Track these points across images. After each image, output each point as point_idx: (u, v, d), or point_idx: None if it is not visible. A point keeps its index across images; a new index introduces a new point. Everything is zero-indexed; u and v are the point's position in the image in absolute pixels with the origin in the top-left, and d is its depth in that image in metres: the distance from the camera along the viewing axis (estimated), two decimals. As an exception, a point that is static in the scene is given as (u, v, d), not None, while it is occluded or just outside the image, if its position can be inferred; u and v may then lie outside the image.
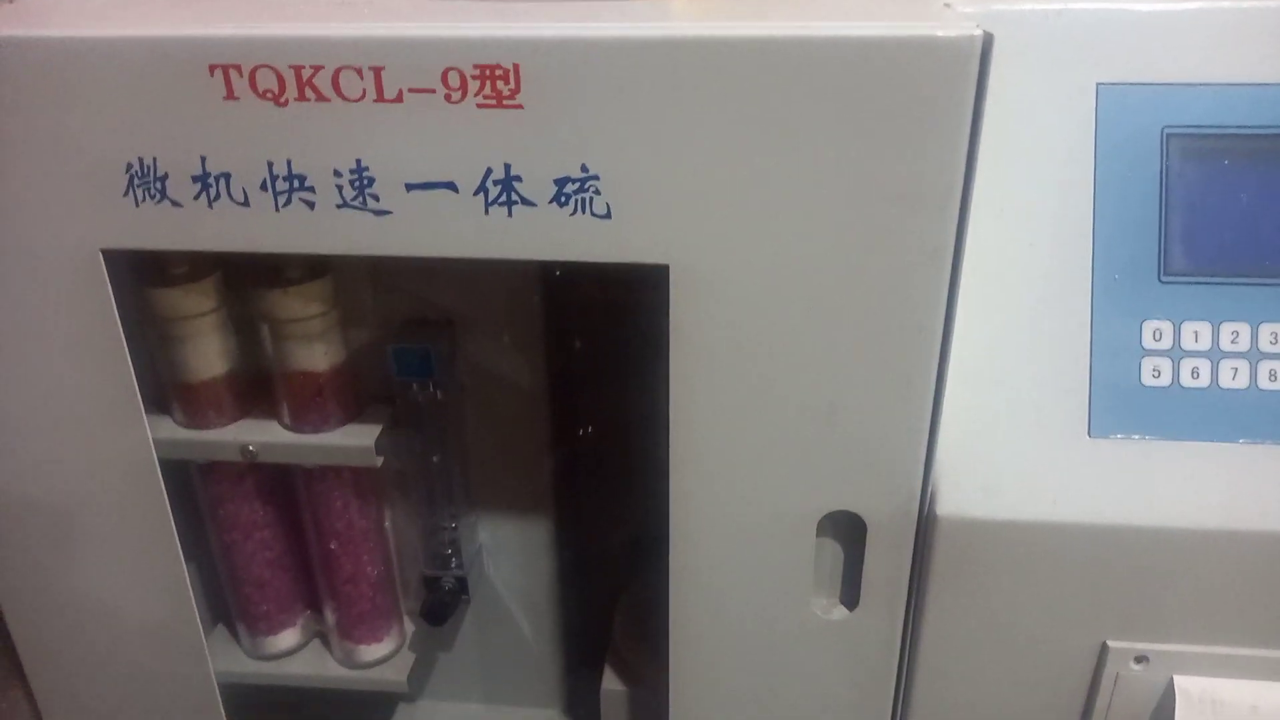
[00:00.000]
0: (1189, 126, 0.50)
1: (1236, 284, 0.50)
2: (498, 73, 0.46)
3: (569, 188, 0.48)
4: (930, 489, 0.51)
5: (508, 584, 0.77)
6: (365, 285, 0.66)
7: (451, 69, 0.46)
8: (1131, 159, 0.50)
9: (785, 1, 0.54)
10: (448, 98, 0.47)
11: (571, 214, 0.48)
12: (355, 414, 0.65)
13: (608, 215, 0.48)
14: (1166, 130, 0.50)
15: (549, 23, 0.47)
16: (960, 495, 0.51)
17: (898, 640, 0.56)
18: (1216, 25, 0.50)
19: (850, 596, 0.55)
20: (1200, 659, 0.53)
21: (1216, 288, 0.50)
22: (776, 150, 0.45)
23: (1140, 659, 0.53)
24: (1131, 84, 0.50)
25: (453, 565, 0.71)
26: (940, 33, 0.42)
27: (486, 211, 0.48)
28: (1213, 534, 0.49)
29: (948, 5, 0.51)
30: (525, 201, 0.48)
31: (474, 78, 0.46)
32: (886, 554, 0.53)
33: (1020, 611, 0.53)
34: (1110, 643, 0.53)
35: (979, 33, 0.42)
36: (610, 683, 0.68)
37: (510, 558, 0.76)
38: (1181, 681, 0.53)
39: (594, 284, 0.69)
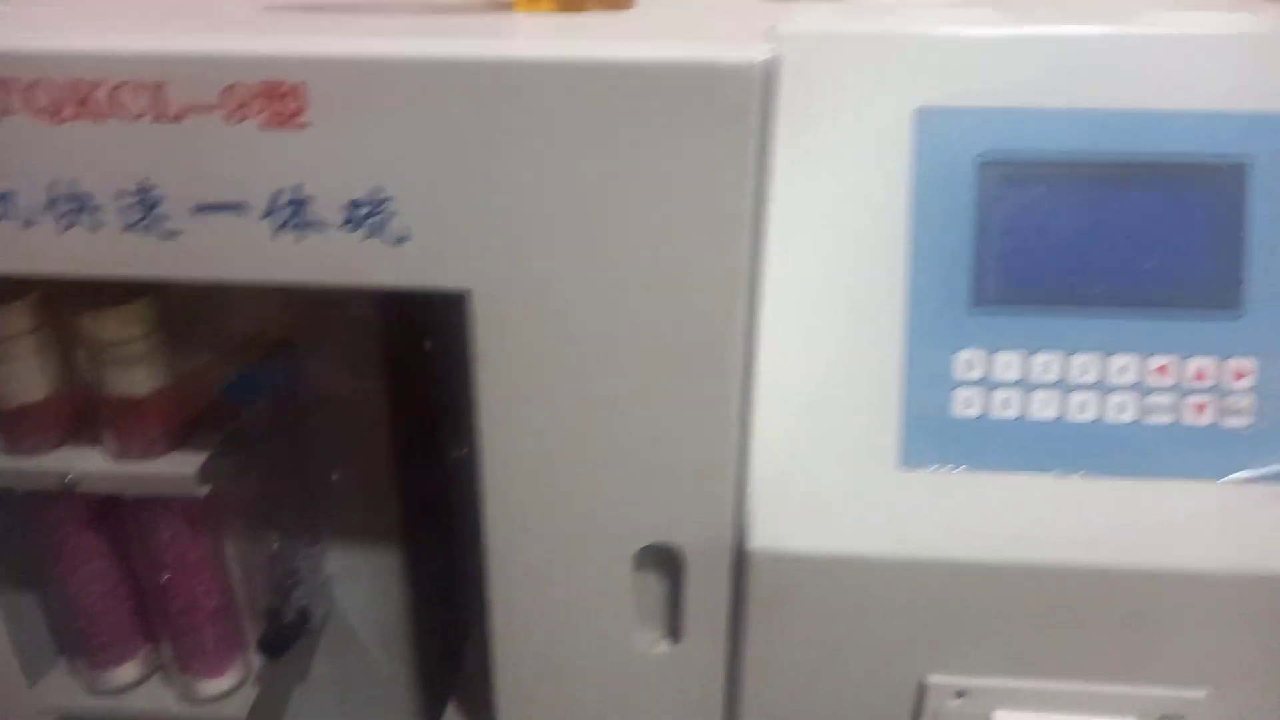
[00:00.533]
0: (1005, 153, 0.49)
1: (1049, 314, 0.49)
2: (282, 90, 0.44)
3: (362, 211, 0.46)
4: (744, 521, 0.50)
5: (360, 615, 0.75)
6: (194, 305, 0.64)
7: (233, 86, 0.44)
8: (948, 185, 0.49)
9: (623, 19, 0.53)
10: (230, 116, 0.45)
11: (365, 238, 0.46)
12: (183, 440, 0.63)
13: (403, 240, 0.46)
14: (982, 157, 0.49)
15: (340, 38, 0.45)
16: (772, 528, 0.49)
17: (722, 674, 0.54)
18: (1035, 52, 0.50)
19: (675, 630, 0.54)
20: (1019, 694, 0.52)
21: (1029, 317, 0.49)
22: (573, 172, 0.44)
23: (960, 694, 0.52)
24: (950, 108, 0.50)
25: (294, 596, 0.68)
26: (721, 57, 0.41)
27: (276, 235, 0.47)
28: (1023, 568, 0.49)
29: (773, 27, 0.50)
30: (316, 225, 0.46)
31: (258, 96, 0.44)
32: (705, 587, 0.52)
33: (839, 645, 0.52)
34: (930, 678, 0.52)
35: (761, 58, 0.41)
36: (452, 716, 0.66)
37: (361, 587, 0.74)
38: (1001, 716, 0.52)
39: (442, 303, 0.67)
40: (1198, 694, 0.52)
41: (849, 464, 0.50)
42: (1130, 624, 0.50)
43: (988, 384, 0.49)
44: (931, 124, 0.50)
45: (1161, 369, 0.48)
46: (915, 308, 0.49)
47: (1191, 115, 0.48)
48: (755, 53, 0.41)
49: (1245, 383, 0.48)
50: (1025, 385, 0.49)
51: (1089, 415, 0.49)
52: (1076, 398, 0.49)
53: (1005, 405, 0.49)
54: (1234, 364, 0.48)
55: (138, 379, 0.60)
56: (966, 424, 0.49)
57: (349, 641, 0.76)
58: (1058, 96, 0.50)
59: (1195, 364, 0.48)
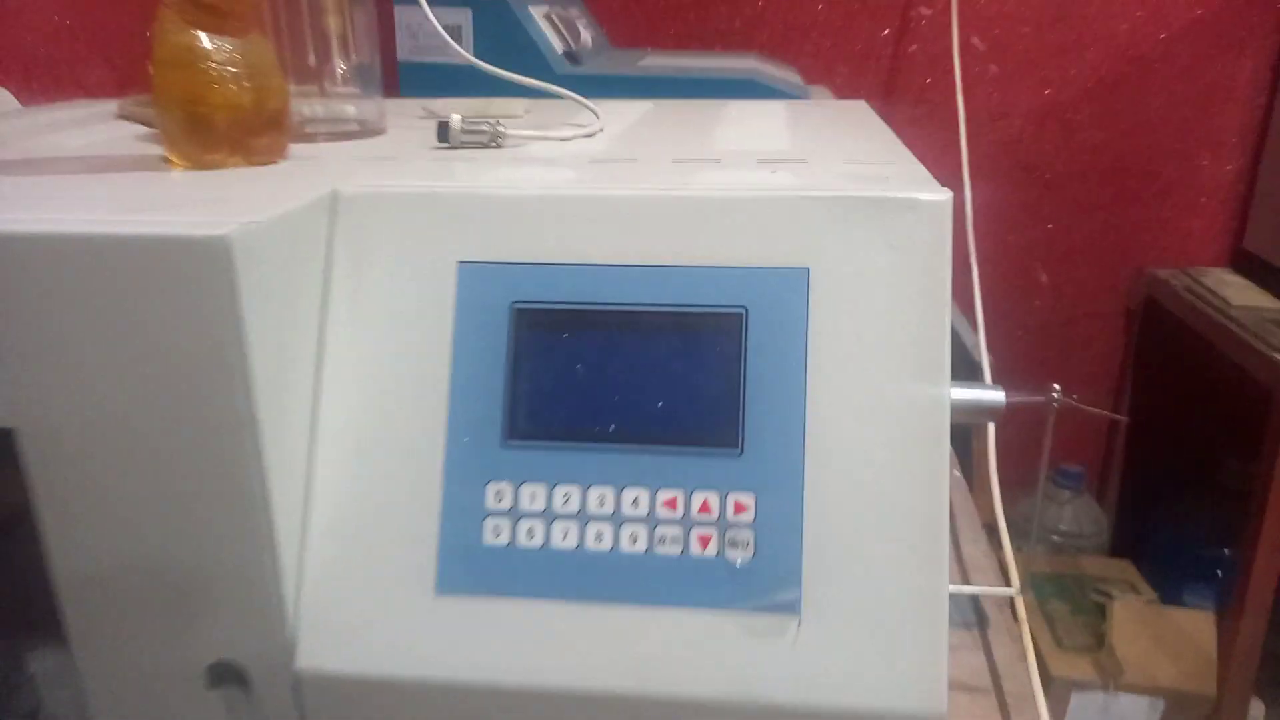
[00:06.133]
0: (533, 301, 0.54)
1: (571, 449, 0.53)
2: None
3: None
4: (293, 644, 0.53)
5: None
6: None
7: None
8: (485, 330, 0.54)
9: (232, 179, 0.58)
10: None
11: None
12: None
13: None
14: (514, 304, 0.54)
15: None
16: (317, 650, 0.53)
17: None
18: (566, 210, 0.55)
19: (257, 748, 0.57)
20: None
21: (553, 451, 0.53)
22: (83, 332, 0.49)
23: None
24: (487, 262, 0.54)
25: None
26: (188, 232, 0.46)
27: None
28: (542, 693, 0.52)
29: (334, 189, 0.55)
30: None
31: None
32: (276, 706, 0.55)
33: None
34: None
35: (227, 231, 0.45)
36: None
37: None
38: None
39: None
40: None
41: (391, 591, 0.53)
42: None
43: (515, 514, 0.53)
44: (471, 275, 0.54)
45: (670, 502, 0.52)
46: (452, 442, 0.54)
47: (700, 269, 0.53)
48: (224, 228, 0.45)
49: (745, 516, 0.52)
50: (549, 516, 0.53)
51: (605, 545, 0.52)
52: (594, 528, 0.52)
53: (530, 535, 0.53)
54: (734, 498, 0.52)
55: None
56: (497, 552, 0.53)
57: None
58: (584, 251, 0.54)
59: (701, 498, 0.52)
